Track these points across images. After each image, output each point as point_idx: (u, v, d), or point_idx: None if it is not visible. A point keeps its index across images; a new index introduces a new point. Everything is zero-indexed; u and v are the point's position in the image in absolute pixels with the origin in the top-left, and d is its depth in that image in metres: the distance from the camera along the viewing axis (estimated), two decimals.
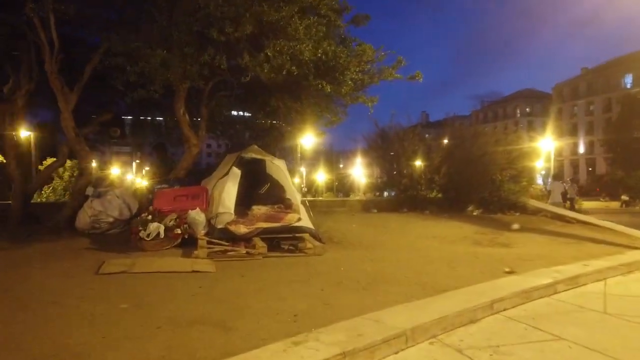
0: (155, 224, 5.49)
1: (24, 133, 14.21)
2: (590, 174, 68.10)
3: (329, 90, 6.66)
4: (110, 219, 6.36)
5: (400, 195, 10.46)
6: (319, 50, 6.19)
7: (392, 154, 11.10)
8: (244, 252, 5.46)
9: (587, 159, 75.29)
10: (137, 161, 35.37)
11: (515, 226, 8.45)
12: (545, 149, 37.17)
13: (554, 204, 10.53)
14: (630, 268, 5.69)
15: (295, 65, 6.03)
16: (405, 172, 10.36)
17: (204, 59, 6.01)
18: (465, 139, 10.64)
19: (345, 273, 4.87)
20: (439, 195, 10.56)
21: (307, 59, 5.99)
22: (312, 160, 50.51)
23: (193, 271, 4.63)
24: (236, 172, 6.43)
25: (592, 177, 60.94)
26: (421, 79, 7.28)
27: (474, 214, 10.32)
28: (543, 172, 46.73)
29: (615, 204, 37.85)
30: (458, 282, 4.46)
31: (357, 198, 16.11)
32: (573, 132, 78.15)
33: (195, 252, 5.24)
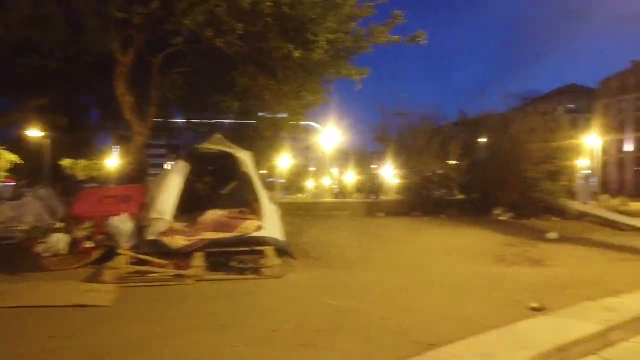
0: (58, 236, 4.18)
1: None
2: (637, 172, 63.62)
3: (298, 55, 5.14)
4: (25, 227, 5.11)
5: (412, 197, 8.86)
6: None
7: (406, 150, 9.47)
8: (172, 273, 4.07)
9: (635, 157, 70.60)
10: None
11: (552, 235, 6.73)
12: (589, 145, 34.35)
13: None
14: None
15: (245, 22, 4.57)
16: (417, 169, 8.72)
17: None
18: (492, 128, 8.86)
19: (296, 310, 3.40)
20: (462, 196, 8.89)
21: (263, 10, 4.50)
22: (342, 161, 49.18)
23: (75, 305, 3.28)
24: (180, 165, 5.06)
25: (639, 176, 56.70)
26: (424, 41, 5.69)
27: (502, 218, 8.60)
28: (590, 172, 43.61)
29: None
30: (457, 329, 2.93)
31: (386, 198, 14.48)
32: (620, 129, 73.50)
33: (104, 273, 3.90)
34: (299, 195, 35.82)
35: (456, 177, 8.56)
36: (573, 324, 3.13)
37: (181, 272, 4.07)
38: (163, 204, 4.69)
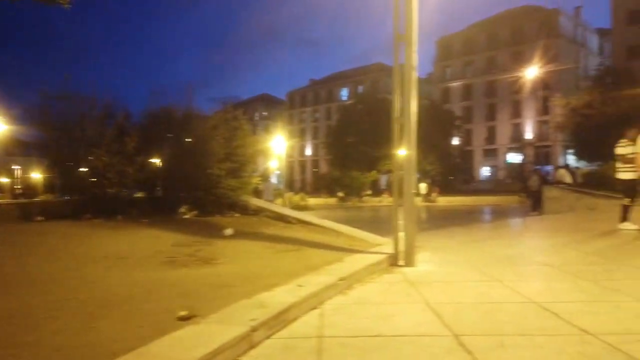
0: None
1: None
2: (315, 173, 76.29)
3: None
4: None
5: (80, 196, 7.63)
6: None
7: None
8: None
9: (312, 160, 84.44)
10: None
11: (229, 231, 6.73)
12: (276, 149, 38.71)
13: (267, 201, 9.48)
14: (350, 282, 4.48)
15: None
16: (90, 164, 7.53)
17: None
18: (176, 123, 8.46)
19: None
20: (144, 194, 8.16)
21: None
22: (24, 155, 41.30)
23: None
24: None
25: (317, 176, 68.11)
26: (67, 5, 4.76)
27: (187, 217, 8.29)
28: (278, 172, 49.43)
29: (333, 200, 42.53)
30: None
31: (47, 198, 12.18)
32: (302, 135, 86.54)
33: None
34: None
35: (134, 174, 7.77)
36: (219, 330, 2.84)
37: None
38: None
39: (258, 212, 8.77)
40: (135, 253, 5.43)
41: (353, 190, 43.39)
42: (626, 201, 8.65)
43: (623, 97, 27.04)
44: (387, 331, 3.09)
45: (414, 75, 5.72)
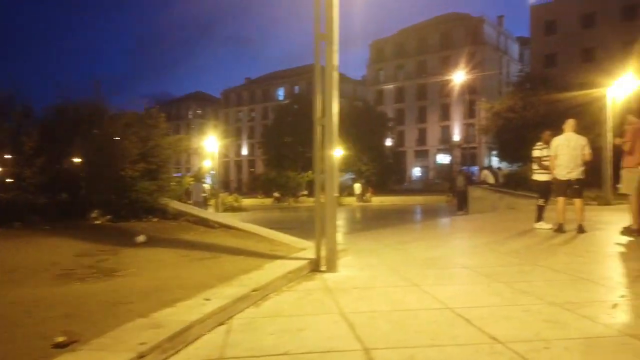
0: None
1: None
2: (251, 173, 75.28)
3: None
4: None
5: None
6: None
7: None
8: None
9: (249, 160, 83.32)
10: None
11: (141, 238, 6.24)
12: (210, 148, 37.73)
13: (196, 203, 9.03)
14: (265, 292, 4.22)
15: None
16: None
17: None
18: (82, 119, 7.75)
19: None
20: (46, 199, 7.39)
21: None
22: None
23: None
24: None
25: (253, 176, 67.19)
26: None
27: (98, 222, 7.65)
28: (213, 172, 48.13)
29: (269, 200, 42.10)
30: None
31: None
32: (238, 135, 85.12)
33: None
34: None
35: (33, 176, 7.02)
36: (99, 359, 2.49)
37: None
38: None
39: (179, 216, 8.28)
40: (26, 265, 4.83)
41: (289, 191, 43.18)
42: (541, 202, 9.06)
43: (541, 102, 28.87)
44: (294, 348, 2.87)
45: (336, 75, 5.55)
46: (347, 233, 12.93)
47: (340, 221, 17.85)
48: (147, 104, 9.05)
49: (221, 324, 3.40)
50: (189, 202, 15.70)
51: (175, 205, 8.33)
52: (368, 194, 40.31)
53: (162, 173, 8.13)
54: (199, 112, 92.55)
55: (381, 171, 51.51)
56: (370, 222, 19.18)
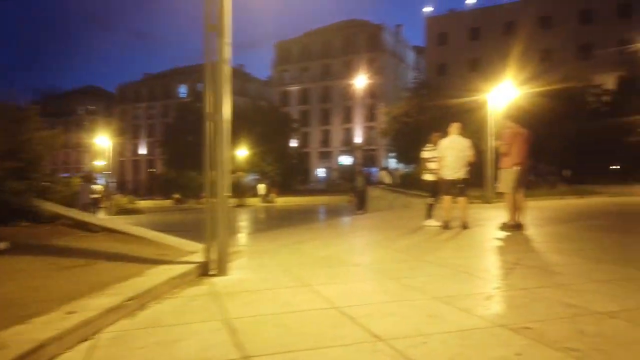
0: None
1: None
2: (150, 174, 71.39)
3: None
4: None
5: None
6: None
7: None
8: None
9: (147, 160, 78.96)
10: None
11: (2, 246, 5.48)
12: (103, 147, 35.15)
13: (84, 205, 8.23)
14: (144, 300, 3.86)
15: None
16: None
17: None
18: None
19: None
20: None
21: None
22: None
23: None
24: None
25: (151, 177, 63.78)
26: None
27: None
28: (108, 172, 44.81)
29: (168, 202, 40.17)
30: None
31: None
32: (136, 133, 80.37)
33: None
34: None
35: None
36: None
37: None
38: None
39: (55, 219, 7.45)
40: None
41: (190, 192, 41.50)
42: (430, 200, 9.53)
43: (434, 107, 30.82)
44: None
45: (227, 69, 5.31)
46: (247, 234, 12.64)
47: (242, 222, 17.45)
48: (29, 97, 8.05)
49: (85, 339, 3.02)
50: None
51: (51, 207, 7.48)
52: (272, 195, 40.12)
53: (33, 172, 7.25)
54: (91, 107, 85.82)
55: (285, 172, 51.61)
56: (272, 222, 19.03)
